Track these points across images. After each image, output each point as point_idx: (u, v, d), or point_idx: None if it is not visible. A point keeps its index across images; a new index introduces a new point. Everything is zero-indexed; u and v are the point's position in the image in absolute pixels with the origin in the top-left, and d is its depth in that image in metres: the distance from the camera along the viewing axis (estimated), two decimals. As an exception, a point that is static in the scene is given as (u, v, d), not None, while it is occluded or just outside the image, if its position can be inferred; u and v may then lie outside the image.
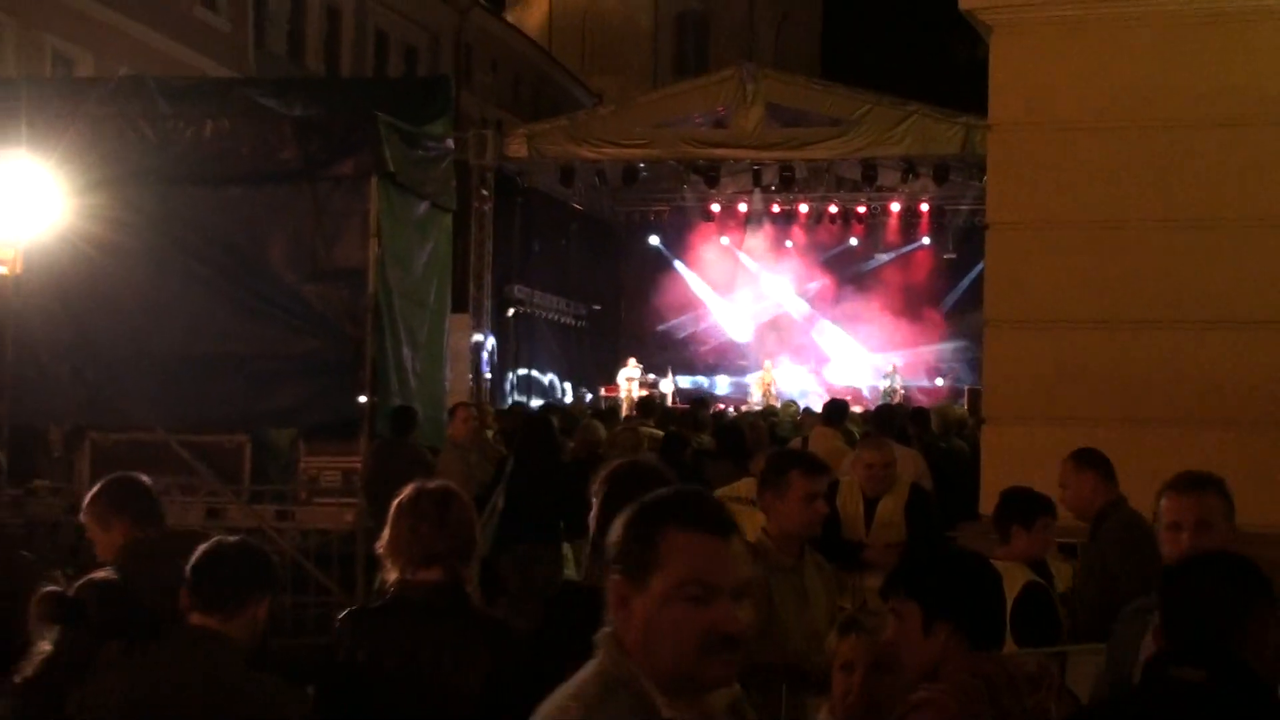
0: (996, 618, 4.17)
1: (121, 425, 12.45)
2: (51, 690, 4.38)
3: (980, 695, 3.82)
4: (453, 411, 14.14)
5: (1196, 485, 5.17)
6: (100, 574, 4.70)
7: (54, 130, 11.98)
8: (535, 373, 31.80)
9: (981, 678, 3.87)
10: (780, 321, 35.50)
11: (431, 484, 5.04)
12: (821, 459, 6.64)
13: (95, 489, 5.94)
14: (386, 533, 4.92)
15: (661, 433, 15.03)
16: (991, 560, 6.68)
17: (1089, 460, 7.53)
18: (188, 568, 4.54)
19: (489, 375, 27.97)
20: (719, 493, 8.79)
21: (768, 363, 32.87)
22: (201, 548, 4.60)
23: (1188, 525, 5.10)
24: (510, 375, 30.09)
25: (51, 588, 4.64)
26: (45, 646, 4.44)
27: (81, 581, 4.64)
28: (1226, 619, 3.59)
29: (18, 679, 4.47)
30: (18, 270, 12.20)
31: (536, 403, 26.91)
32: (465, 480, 11.88)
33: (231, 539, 4.76)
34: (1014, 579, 6.68)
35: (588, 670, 3.00)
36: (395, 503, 4.97)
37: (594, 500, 5.01)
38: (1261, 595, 3.68)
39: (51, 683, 4.40)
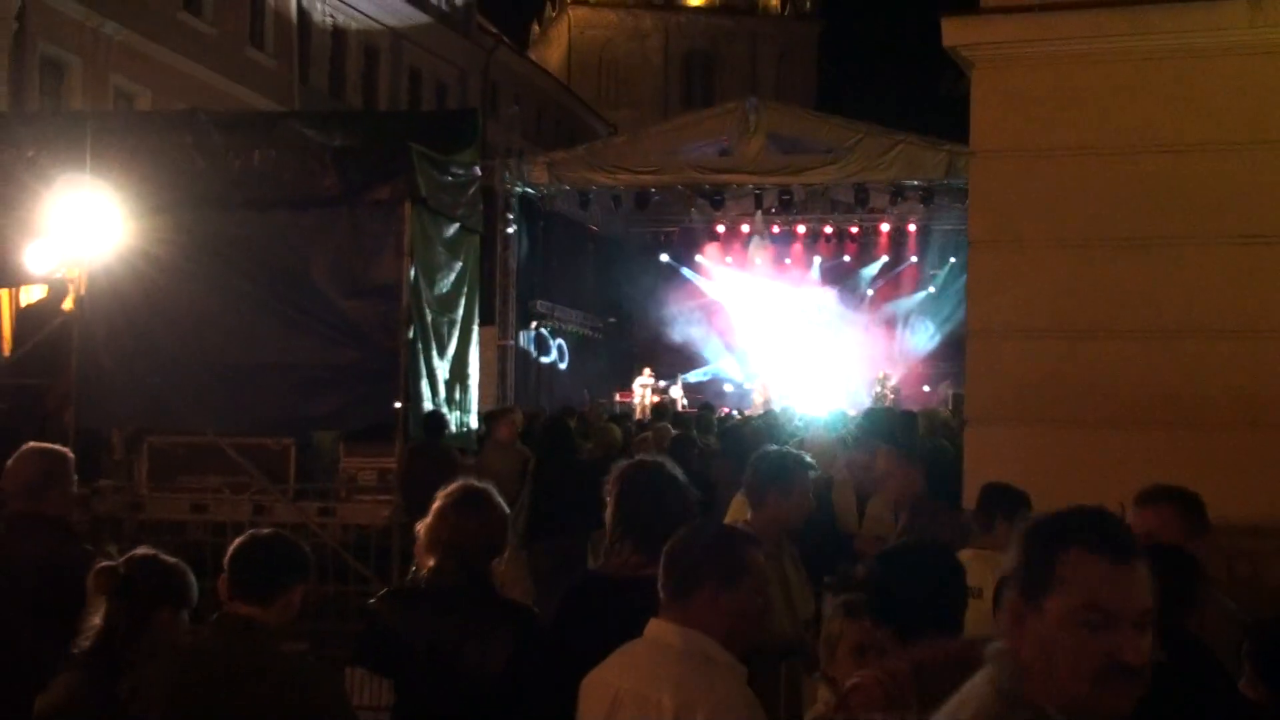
0: (917, 610, 3.98)
1: (177, 429, 12.48)
2: (110, 657, 4.39)
3: (905, 680, 3.76)
4: (500, 416, 14.20)
5: (1150, 500, 5.04)
6: (143, 550, 4.71)
7: (116, 160, 12.02)
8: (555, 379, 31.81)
9: (912, 664, 3.81)
10: (780, 334, 35.44)
11: (474, 485, 5.03)
12: (809, 458, 6.64)
13: None
14: (430, 523, 4.91)
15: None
16: (975, 548, 6.72)
17: (913, 458, 7.65)
18: (226, 559, 4.55)
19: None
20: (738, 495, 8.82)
21: (763, 382, 32.89)
22: (238, 540, 4.60)
23: (1139, 536, 5.02)
24: (532, 380, 30.06)
25: (105, 563, 4.64)
26: (97, 620, 4.45)
27: (127, 556, 4.64)
28: (1180, 603, 3.58)
29: (77, 651, 4.48)
30: (83, 288, 12.24)
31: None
32: (511, 476, 11.96)
33: (266, 531, 4.73)
34: (998, 565, 6.70)
35: (979, 685, 2.75)
36: (441, 498, 4.95)
37: (608, 498, 5.02)
38: (1202, 581, 3.68)
39: (110, 650, 4.41)
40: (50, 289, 13.22)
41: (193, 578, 4.69)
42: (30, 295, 13.85)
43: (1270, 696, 3.90)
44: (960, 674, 3.78)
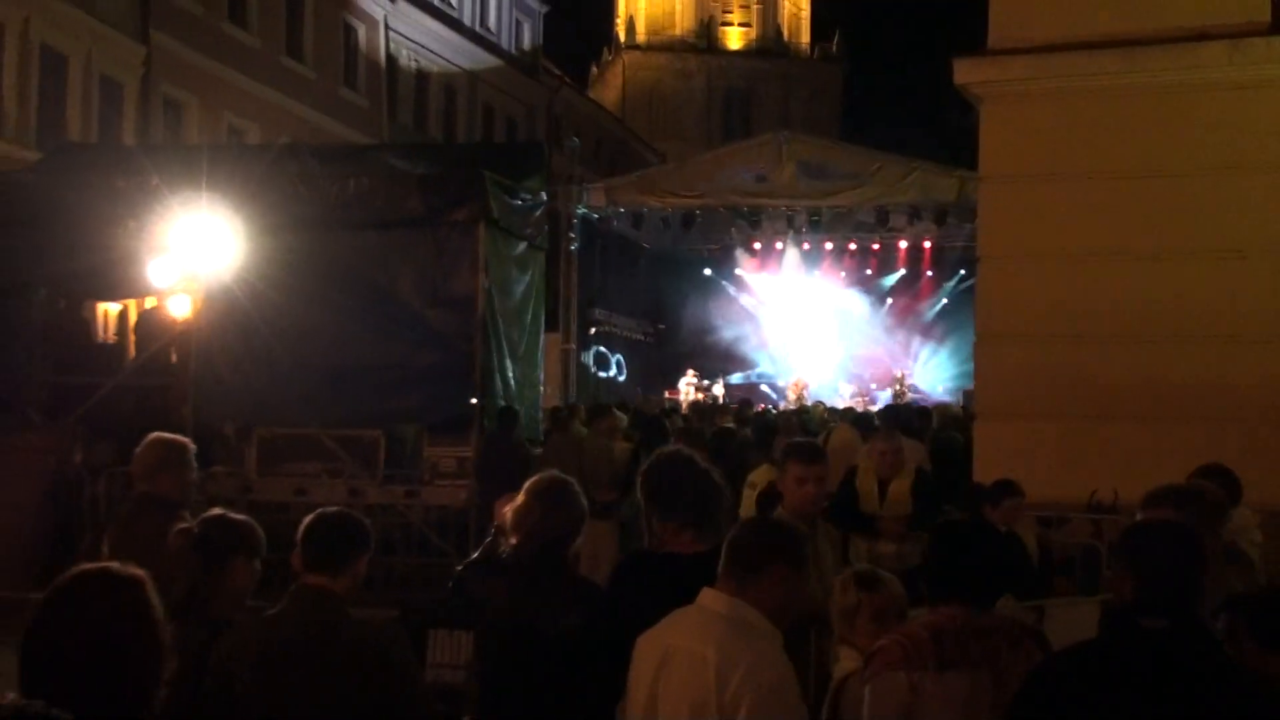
0: (949, 577, 3.94)
1: (282, 422, 12.57)
2: (198, 604, 4.40)
3: (924, 643, 3.74)
4: (606, 413, 14.30)
5: (1152, 503, 4.80)
6: (215, 511, 4.71)
7: (229, 187, 12.11)
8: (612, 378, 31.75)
9: (930, 628, 3.80)
10: (810, 338, 35.27)
11: (560, 478, 5.02)
12: (818, 449, 6.43)
13: None
14: (519, 507, 4.90)
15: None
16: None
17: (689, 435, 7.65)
18: (299, 535, 4.55)
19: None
20: (750, 477, 8.82)
21: (798, 377, 32.83)
22: (308, 519, 4.57)
23: None
24: (591, 380, 30.02)
25: (182, 525, 4.65)
26: (182, 575, 4.46)
27: (202, 518, 4.65)
28: (1190, 577, 3.48)
29: (170, 602, 4.48)
30: (200, 300, 12.35)
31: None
32: (617, 463, 11.97)
33: (332, 509, 4.70)
34: None
35: None
36: (528, 486, 4.94)
37: (638, 481, 5.02)
38: (1205, 557, 3.58)
39: (196, 598, 4.42)
40: (160, 299, 13.34)
41: (260, 531, 4.68)
42: (144, 305, 14.00)
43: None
44: (974, 640, 3.76)
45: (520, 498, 4.93)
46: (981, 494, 7.32)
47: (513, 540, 4.93)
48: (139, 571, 3.07)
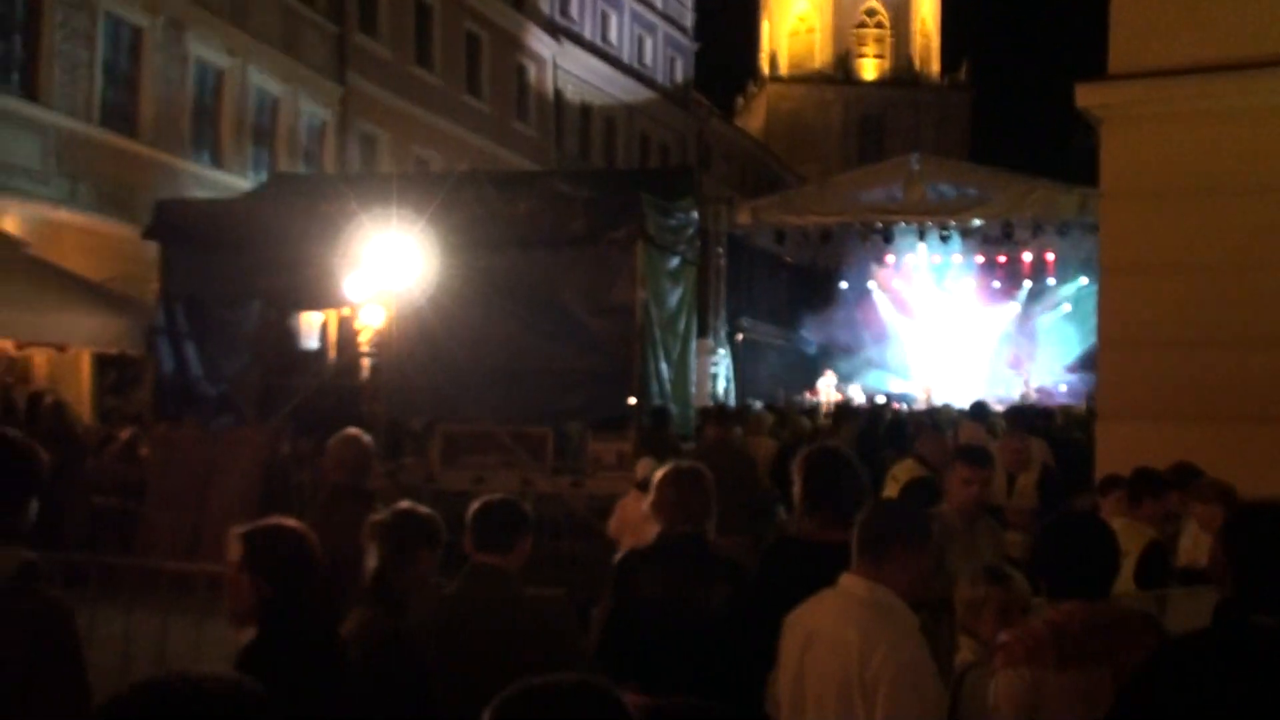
0: (1068, 574, 3.74)
1: (462, 419, 12.76)
2: (387, 590, 4.41)
3: (1044, 640, 3.61)
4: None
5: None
6: (404, 504, 4.75)
7: (416, 210, 12.35)
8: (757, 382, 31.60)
9: (1051, 625, 3.65)
10: (938, 344, 34.69)
11: (685, 464, 5.02)
12: (987, 455, 6.24)
13: None
14: (652, 497, 4.90)
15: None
16: (1128, 518, 6.34)
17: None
18: (469, 519, 4.59)
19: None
20: (893, 470, 8.65)
21: (927, 380, 32.33)
22: (474, 505, 4.65)
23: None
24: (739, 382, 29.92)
25: (374, 517, 4.72)
26: (373, 561, 4.47)
27: (392, 510, 4.69)
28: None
29: (363, 589, 4.51)
30: (391, 311, 12.61)
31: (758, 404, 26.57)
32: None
33: (497, 496, 4.78)
34: (1144, 534, 6.33)
35: None
36: (659, 476, 4.94)
37: (795, 476, 4.96)
38: None
39: (385, 584, 4.41)
40: (357, 310, 13.66)
41: (442, 524, 4.67)
42: (343, 315, 14.35)
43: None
44: (1094, 636, 3.60)
45: (654, 488, 4.91)
46: (1141, 485, 6.94)
47: (653, 529, 4.92)
48: (298, 524, 3.82)
